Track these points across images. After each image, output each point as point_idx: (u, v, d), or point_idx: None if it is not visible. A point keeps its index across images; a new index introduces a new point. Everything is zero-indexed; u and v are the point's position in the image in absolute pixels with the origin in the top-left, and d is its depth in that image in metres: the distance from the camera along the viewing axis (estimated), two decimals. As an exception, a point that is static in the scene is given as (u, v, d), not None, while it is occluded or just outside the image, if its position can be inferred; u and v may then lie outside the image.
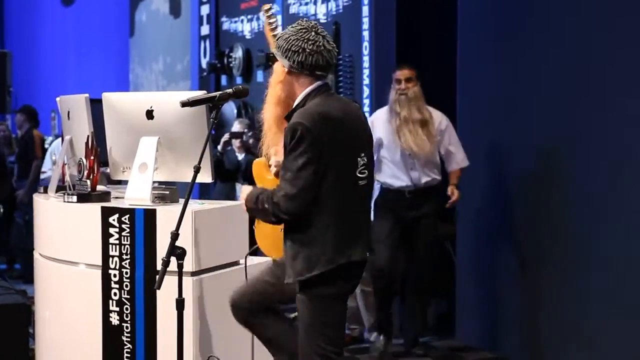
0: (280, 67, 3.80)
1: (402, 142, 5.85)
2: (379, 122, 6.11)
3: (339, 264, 3.65)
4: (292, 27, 3.78)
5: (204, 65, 11.51)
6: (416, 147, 5.83)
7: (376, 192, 5.94)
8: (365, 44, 7.71)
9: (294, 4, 9.09)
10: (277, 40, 3.86)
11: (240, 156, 8.10)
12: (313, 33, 3.72)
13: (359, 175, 3.76)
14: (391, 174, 5.99)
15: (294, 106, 3.78)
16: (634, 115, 5.37)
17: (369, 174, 3.86)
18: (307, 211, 3.71)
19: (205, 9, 11.76)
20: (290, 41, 3.70)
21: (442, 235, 6.82)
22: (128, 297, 4.49)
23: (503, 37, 6.60)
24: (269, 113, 4.03)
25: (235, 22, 10.61)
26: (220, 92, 4.19)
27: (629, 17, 5.47)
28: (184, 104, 4.25)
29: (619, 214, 5.52)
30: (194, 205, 4.45)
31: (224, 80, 10.57)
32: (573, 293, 5.88)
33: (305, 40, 3.70)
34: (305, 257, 3.72)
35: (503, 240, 6.60)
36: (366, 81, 7.78)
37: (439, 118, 6.04)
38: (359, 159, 3.75)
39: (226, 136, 8.18)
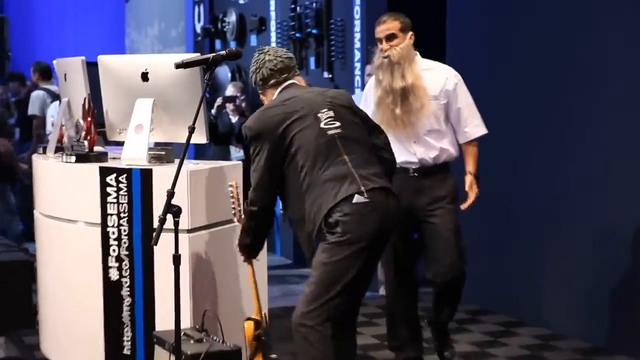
0: None
1: (379, 120, 4.72)
2: (370, 93, 5.16)
3: (323, 220, 3.81)
4: (254, 61, 4.26)
5: (198, 30, 11.62)
6: (395, 125, 4.83)
7: None
8: (357, 8, 7.74)
9: None
10: (255, 76, 4.26)
11: (234, 119, 8.17)
12: (257, 54, 4.21)
13: (325, 126, 3.93)
14: (395, 150, 4.55)
15: None
16: (583, 111, 5.82)
17: (341, 124, 3.99)
18: (282, 191, 4.07)
19: None
20: (250, 73, 4.28)
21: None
22: (127, 253, 4.55)
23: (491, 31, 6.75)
24: None
25: None
26: (213, 54, 4.16)
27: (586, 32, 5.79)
28: (178, 66, 4.25)
29: (574, 191, 5.96)
30: (189, 165, 4.51)
31: (218, 45, 10.73)
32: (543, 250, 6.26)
33: (252, 65, 4.22)
34: (303, 231, 4.02)
35: (486, 218, 6.56)
36: (357, 45, 7.85)
37: (444, 75, 4.90)
38: (319, 115, 3.94)
39: (219, 100, 8.28)
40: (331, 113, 3.97)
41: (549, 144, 6.22)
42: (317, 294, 3.87)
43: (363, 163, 3.96)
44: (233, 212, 4.37)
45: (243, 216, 4.27)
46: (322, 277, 3.87)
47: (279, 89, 4.13)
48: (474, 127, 4.88)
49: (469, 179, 4.84)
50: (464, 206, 4.80)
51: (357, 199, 3.81)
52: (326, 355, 3.90)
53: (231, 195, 4.39)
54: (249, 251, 4.18)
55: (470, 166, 4.87)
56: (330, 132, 3.92)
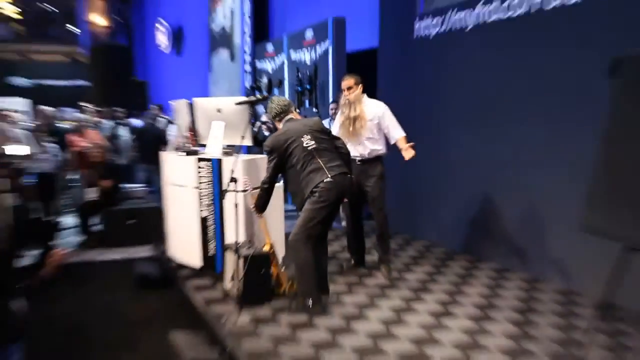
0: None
1: (340, 134, 4.94)
2: (337, 118, 5.30)
3: (317, 185, 4.11)
4: (268, 107, 4.51)
5: (247, 86, 11.84)
6: (348, 136, 4.97)
7: None
8: (331, 75, 8.17)
9: (294, 54, 9.37)
10: (269, 112, 4.52)
11: (267, 133, 7.99)
12: (269, 103, 4.49)
13: (305, 145, 4.21)
14: (349, 148, 4.75)
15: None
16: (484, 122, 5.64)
17: (316, 142, 4.23)
18: (284, 178, 4.32)
19: (247, 57, 12.09)
20: (269, 114, 4.50)
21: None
22: (209, 202, 5.03)
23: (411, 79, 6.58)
24: None
25: (263, 63, 10.92)
26: (254, 98, 4.85)
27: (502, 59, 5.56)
28: (237, 104, 4.87)
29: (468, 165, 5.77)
30: (242, 156, 4.83)
31: (257, 93, 10.58)
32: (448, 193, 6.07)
33: (268, 109, 4.49)
34: (298, 197, 4.28)
35: (411, 188, 6.49)
36: (330, 94, 8.16)
37: (378, 108, 5.05)
38: (302, 139, 4.22)
39: (258, 123, 8.27)
40: (309, 136, 4.24)
41: (440, 137, 6.21)
42: (302, 224, 4.15)
43: (329, 161, 4.22)
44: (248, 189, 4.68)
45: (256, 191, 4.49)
46: (306, 215, 4.16)
47: (283, 122, 4.42)
48: (396, 132, 5.02)
49: (404, 148, 4.85)
50: (407, 158, 4.81)
51: (326, 180, 4.12)
52: (307, 257, 4.13)
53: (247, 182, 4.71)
54: (260, 209, 4.42)
55: (401, 144, 4.91)
56: (309, 147, 4.21)
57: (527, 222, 5.32)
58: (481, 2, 5.75)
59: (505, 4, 5.45)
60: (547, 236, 5.12)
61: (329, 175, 4.14)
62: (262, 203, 4.38)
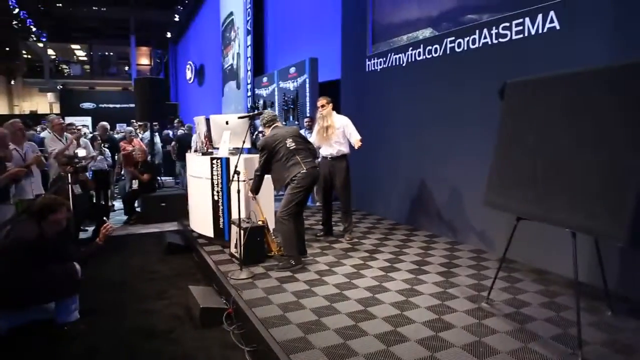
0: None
1: (317, 139, 4.93)
2: (315, 128, 5.14)
3: (296, 174, 4.05)
4: (262, 116, 4.37)
5: (248, 106, 11.70)
6: (319, 142, 4.93)
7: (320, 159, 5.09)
8: (307, 98, 8.01)
9: (282, 83, 9.11)
10: (261, 121, 4.38)
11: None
12: (262, 114, 4.38)
13: (288, 146, 4.14)
14: (323, 149, 4.99)
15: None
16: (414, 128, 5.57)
17: (295, 144, 4.14)
18: (269, 169, 4.14)
19: (249, 86, 11.94)
20: (260, 122, 4.37)
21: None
22: (219, 189, 4.90)
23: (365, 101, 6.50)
24: None
25: (260, 90, 10.61)
26: (252, 114, 4.57)
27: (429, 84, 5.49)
28: (239, 117, 4.74)
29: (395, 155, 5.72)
30: (244, 155, 4.48)
31: (255, 111, 10.06)
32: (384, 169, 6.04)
33: (261, 118, 4.38)
34: (279, 183, 4.19)
35: (364, 174, 6.35)
36: (307, 111, 7.95)
37: (343, 120, 4.98)
38: (286, 141, 4.15)
39: (256, 133, 7.82)
40: (291, 139, 4.18)
41: (388, 141, 6.05)
42: (285, 205, 4.10)
43: (304, 157, 4.16)
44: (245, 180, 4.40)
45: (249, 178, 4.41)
46: (287, 198, 4.11)
47: (270, 128, 4.36)
48: (355, 136, 4.86)
49: (356, 143, 4.74)
50: (357, 147, 4.75)
51: (302, 172, 4.07)
52: (291, 229, 4.06)
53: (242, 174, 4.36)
54: (255, 192, 4.29)
55: (353, 140, 4.81)
56: (290, 148, 4.14)
57: (451, 200, 5.26)
58: (410, 48, 5.75)
59: (427, 49, 5.47)
60: (464, 210, 5.05)
61: (305, 168, 4.08)
62: (255, 187, 4.28)
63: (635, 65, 2.40)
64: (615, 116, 2.44)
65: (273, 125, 4.36)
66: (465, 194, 5.03)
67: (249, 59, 12.33)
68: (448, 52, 5.16)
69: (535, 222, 2.96)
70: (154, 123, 8.62)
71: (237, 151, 4.89)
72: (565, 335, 2.82)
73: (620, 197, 2.33)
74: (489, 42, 4.63)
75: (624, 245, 2.37)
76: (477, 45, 4.77)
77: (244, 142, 4.50)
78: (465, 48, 4.92)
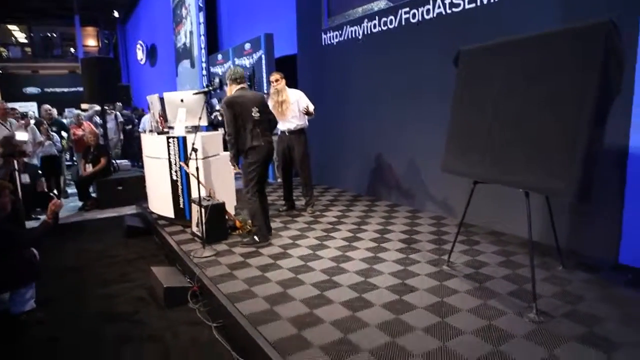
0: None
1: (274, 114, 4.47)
2: (270, 102, 4.86)
3: (251, 146, 3.90)
4: (229, 70, 4.10)
5: (204, 86, 11.42)
6: (278, 116, 4.68)
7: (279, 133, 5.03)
8: (264, 76, 7.66)
9: (237, 60, 8.78)
10: (226, 76, 4.11)
11: (220, 119, 7.64)
12: (233, 68, 4.09)
13: (253, 115, 3.93)
14: (280, 124, 4.85)
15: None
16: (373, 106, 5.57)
17: (260, 115, 3.95)
18: (238, 133, 3.91)
19: (203, 65, 11.73)
20: (228, 75, 4.08)
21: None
22: (177, 169, 4.77)
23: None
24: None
25: (215, 68, 10.43)
26: (206, 89, 4.57)
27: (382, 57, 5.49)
28: (194, 94, 4.65)
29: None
30: (201, 133, 4.69)
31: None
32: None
33: (229, 71, 4.08)
34: (241, 145, 3.95)
35: (325, 149, 6.32)
36: (265, 84, 7.18)
37: (297, 94, 4.93)
38: (252, 109, 3.92)
39: (214, 113, 8.02)
40: (257, 109, 3.96)
41: (345, 115, 6.00)
42: (247, 183, 4.01)
43: (264, 130, 4.01)
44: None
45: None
46: (247, 178, 4.00)
47: (237, 87, 4.04)
48: (310, 106, 4.81)
49: (307, 109, 4.71)
50: (305, 113, 4.75)
51: (255, 145, 3.92)
52: (256, 205, 4.01)
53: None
54: (234, 161, 3.99)
55: (309, 108, 4.73)
56: (255, 118, 3.94)
57: (409, 169, 5.30)
58: (365, 20, 5.70)
59: (383, 20, 5.44)
60: (423, 178, 5.13)
61: (262, 143, 3.96)
62: (233, 154, 3.95)
63: (577, 28, 2.47)
64: (564, 78, 2.51)
65: (240, 86, 4.06)
66: (424, 163, 5.07)
67: (203, 37, 12.07)
68: (403, 23, 5.16)
69: (492, 185, 3.01)
70: (106, 106, 8.30)
71: (194, 129, 4.81)
72: (521, 291, 2.95)
73: (570, 156, 2.40)
74: (443, 12, 4.66)
75: (574, 201, 2.46)
76: (431, 15, 4.80)
77: (200, 119, 4.41)
78: (420, 19, 4.94)
